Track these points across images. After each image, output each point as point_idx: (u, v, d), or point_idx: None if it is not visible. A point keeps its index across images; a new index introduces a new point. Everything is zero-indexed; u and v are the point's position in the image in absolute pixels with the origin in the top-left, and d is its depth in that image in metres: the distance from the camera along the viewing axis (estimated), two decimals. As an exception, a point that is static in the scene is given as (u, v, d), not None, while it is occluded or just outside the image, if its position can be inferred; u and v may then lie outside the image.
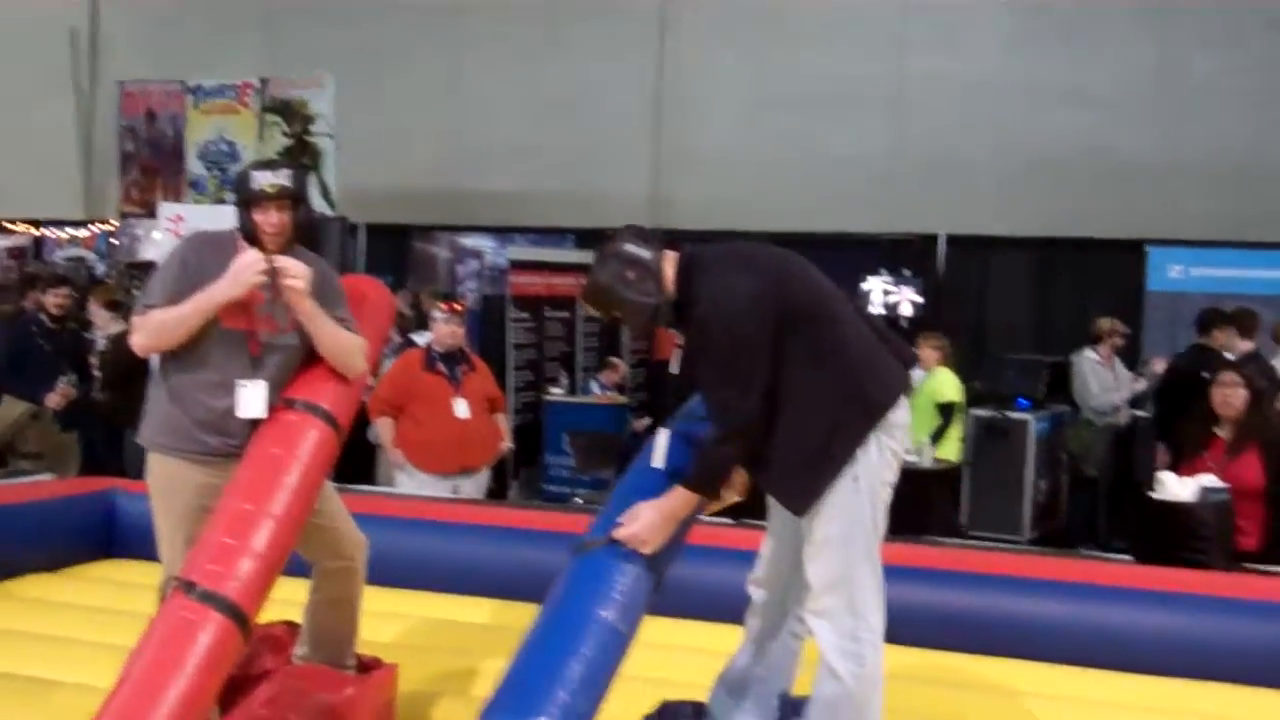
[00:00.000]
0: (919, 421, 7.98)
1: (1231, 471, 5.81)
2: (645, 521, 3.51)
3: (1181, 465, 6.05)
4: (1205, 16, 11.36)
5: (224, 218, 4.23)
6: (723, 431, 3.47)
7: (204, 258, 3.90)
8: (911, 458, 8.48)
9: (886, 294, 11.20)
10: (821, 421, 3.45)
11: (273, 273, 3.83)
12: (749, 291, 3.44)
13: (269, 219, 3.86)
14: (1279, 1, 11.23)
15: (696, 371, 3.52)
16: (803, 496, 3.50)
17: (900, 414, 3.54)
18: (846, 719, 3.50)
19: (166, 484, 3.94)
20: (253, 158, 11.79)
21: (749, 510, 4.13)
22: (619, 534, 3.52)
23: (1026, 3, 12.05)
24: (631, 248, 3.55)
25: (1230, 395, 6.09)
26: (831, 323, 3.53)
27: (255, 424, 3.92)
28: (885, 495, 3.53)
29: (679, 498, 3.52)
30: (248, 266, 3.82)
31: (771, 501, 3.73)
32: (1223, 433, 6.05)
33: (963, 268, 11.80)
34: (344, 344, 4.00)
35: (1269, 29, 11.22)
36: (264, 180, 3.85)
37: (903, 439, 3.55)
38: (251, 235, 3.87)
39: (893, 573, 5.02)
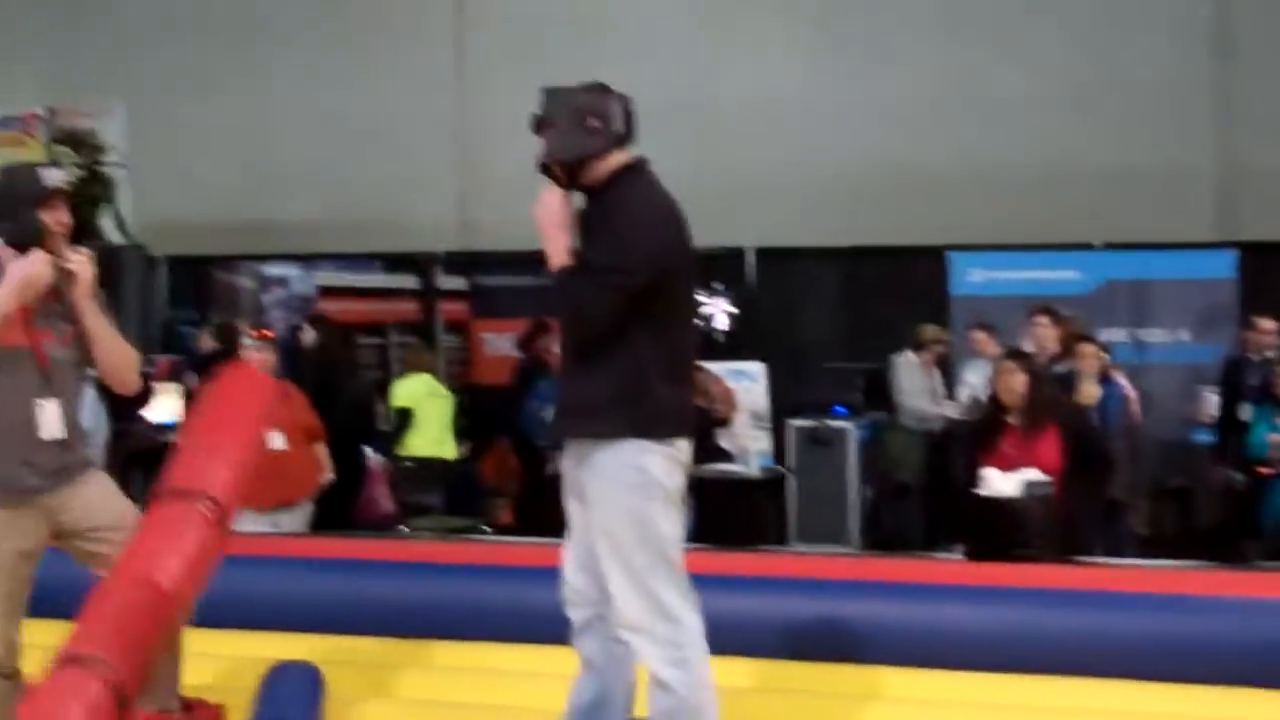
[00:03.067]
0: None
1: (1030, 456, 5.93)
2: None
3: (981, 456, 6.15)
4: (1006, 30, 11.72)
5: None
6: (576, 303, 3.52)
7: None
8: (738, 467, 8.56)
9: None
10: (632, 385, 3.48)
11: (61, 272, 3.67)
12: (673, 228, 3.60)
13: (59, 216, 3.72)
14: (1076, 14, 11.66)
15: (587, 252, 3.55)
16: (567, 423, 3.60)
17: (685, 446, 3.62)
18: None
19: None
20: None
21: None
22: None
23: (828, 20, 12.27)
24: (612, 108, 3.60)
25: (1010, 381, 6.23)
26: (683, 320, 3.57)
27: (59, 449, 3.68)
28: (675, 498, 3.53)
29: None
30: (39, 262, 3.60)
31: (570, 513, 3.68)
32: (1014, 419, 6.18)
33: (773, 280, 11.91)
34: (125, 351, 3.89)
35: (1066, 41, 11.63)
36: (55, 178, 3.75)
37: (686, 453, 3.60)
38: (38, 235, 3.66)
39: (724, 583, 5.05)
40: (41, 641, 3.84)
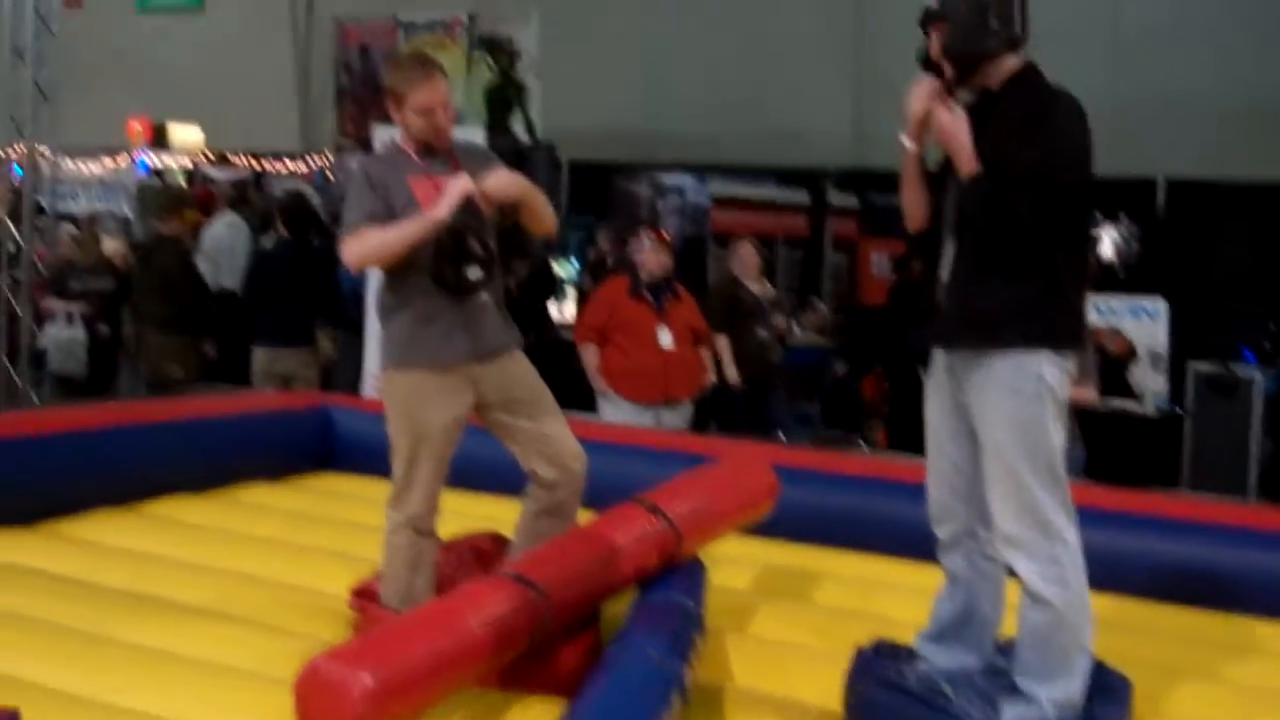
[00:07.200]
0: None
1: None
2: None
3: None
4: None
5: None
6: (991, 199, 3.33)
7: (383, 173, 3.98)
8: (1132, 404, 8.22)
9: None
10: (1047, 295, 3.35)
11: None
12: (1090, 134, 3.39)
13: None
14: None
15: (1005, 155, 3.35)
16: (970, 332, 3.43)
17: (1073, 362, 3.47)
18: (1059, 644, 3.36)
19: (416, 399, 3.92)
20: (462, 92, 11.99)
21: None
22: None
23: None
24: (1014, 7, 3.46)
25: None
26: (1089, 232, 3.47)
27: (491, 319, 3.99)
28: (1062, 413, 3.39)
29: None
30: (459, 191, 3.87)
31: (935, 426, 3.63)
32: None
33: (1184, 212, 11.27)
34: (547, 205, 4.13)
35: None
36: None
37: (1073, 371, 3.45)
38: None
39: (1117, 520, 4.88)
40: (455, 508, 4.15)
